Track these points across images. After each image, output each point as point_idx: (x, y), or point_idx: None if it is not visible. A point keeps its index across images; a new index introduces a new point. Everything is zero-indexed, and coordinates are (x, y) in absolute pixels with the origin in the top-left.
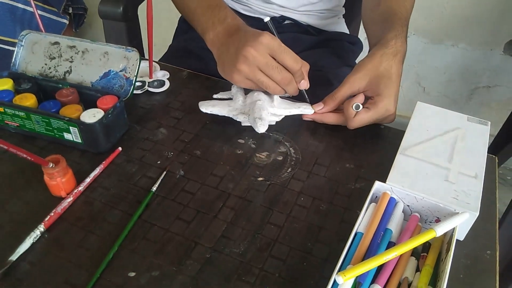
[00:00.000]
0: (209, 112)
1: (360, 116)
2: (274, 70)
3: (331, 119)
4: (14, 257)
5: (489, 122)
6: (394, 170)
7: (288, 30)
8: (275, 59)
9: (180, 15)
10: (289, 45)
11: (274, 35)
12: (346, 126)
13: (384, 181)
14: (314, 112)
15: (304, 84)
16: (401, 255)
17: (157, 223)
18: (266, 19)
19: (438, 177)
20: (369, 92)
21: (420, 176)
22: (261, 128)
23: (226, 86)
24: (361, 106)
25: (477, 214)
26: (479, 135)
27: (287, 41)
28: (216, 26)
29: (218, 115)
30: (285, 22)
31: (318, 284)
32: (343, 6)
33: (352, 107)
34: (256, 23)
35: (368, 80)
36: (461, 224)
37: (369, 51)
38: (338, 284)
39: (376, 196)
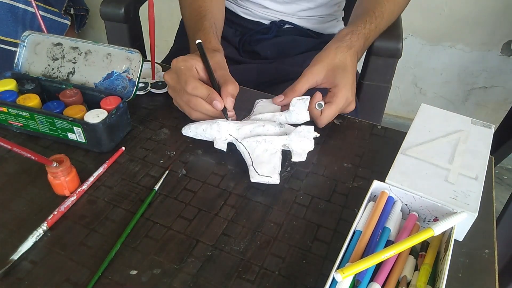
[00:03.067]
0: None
1: (326, 113)
2: (180, 93)
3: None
4: (15, 256)
5: (493, 125)
6: (394, 169)
7: (288, 33)
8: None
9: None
10: (288, 47)
11: (201, 57)
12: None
13: (382, 180)
14: (279, 102)
15: (217, 105)
16: (399, 254)
17: (159, 221)
18: (197, 41)
19: (438, 178)
20: (327, 84)
21: (419, 175)
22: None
23: None
24: (323, 104)
25: (476, 215)
26: (482, 137)
27: (287, 44)
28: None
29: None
30: (285, 26)
31: (317, 281)
32: (342, 10)
33: (315, 106)
34: (256, 27)
35: (325, 72)
36: (459, 224)
37: None
38: (337, 282)
39: (375, 195)
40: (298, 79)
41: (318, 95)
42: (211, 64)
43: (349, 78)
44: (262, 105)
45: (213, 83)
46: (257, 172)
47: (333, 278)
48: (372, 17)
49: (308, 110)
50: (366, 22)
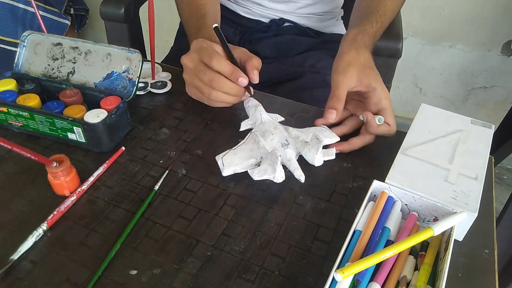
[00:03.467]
0: (232, 173)
1: (389, 120)
2: (200, 73)
3: (359, 143)
4: (15, 256)
5: (493, 125)
6: (394, 169)
7: (288, 32)
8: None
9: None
10: (288, 46)
11: (219, 39)
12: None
13: (382, 180)
14: (333, 120)
15: (243, 82)
16: (399, 254)
17: (159, 221)
18: (214, 25)
19: (438, 177)
20: (361, 87)
21: (419, 175)
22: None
23: None
24: (382, 117)
25: (476, 214)
26: (482, 137)
27: (287, 43)
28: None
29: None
30: (285, 24)
31: (317, 281)
32: (341, 8)
33: (376, 122)
34: (256, 25)
35: (357, 74)
36: (459, 224)
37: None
38: (336, 282)
39: (375, 195)
40: (335, 87)
41: (370, 114)
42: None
43: (380, 78)
44: (264, 119)
45: (235, 62)
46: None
47: (333, 278)
48: (377, 16)
49: (366, 130)
50: (373, 21)
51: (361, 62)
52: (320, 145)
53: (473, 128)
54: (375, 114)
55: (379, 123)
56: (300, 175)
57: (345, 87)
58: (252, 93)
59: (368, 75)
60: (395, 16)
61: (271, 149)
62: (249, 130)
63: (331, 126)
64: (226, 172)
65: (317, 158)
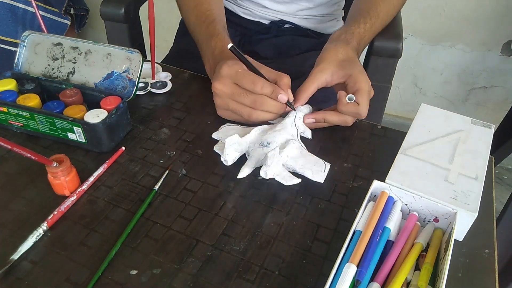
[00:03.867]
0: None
1: (361, 101)
2: (240, 96)
3: (334, 117)
4: (15, 256)
5: (493, 125)
6: (393, 169)
7: (288, 34)
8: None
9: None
10: (288, 47)
11: (239, 59)
12: (360, 121)
13: (382, 180)
14: (318, 113)
15: (283, 98)
16: (400, 254)
17: (159, 221)
18: (229, 45)
19: (438, 177)
20: (338, 79)
21: (419, 175)
22: (262, 173)
23: None
24: (353, 96)
25: (476, 214)
26: (482, 137)
27: (287, 44)
28: (209, 59)
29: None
30: (285, 26)
31: (317, 281)
32: (342, 9)
33: (346, 100)
34: (256, 27)
35: (333, 69)
36: (460, 225)
37: None
38: (336, 282)
39: (375, 195)
40: (306, 80)
41: (342, 92)
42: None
43: (359, 66)
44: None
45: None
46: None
47: (333, 278)
48: (366, 17)
49: (341, 109)
50: (360, 22)
51: (338, 58)
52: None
53: (473, 128)
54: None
55: (348, 101)
56: (307, 134)
57: (314, 80)
58: (296, 107)
59: (344, 67)
60: (391, 19)
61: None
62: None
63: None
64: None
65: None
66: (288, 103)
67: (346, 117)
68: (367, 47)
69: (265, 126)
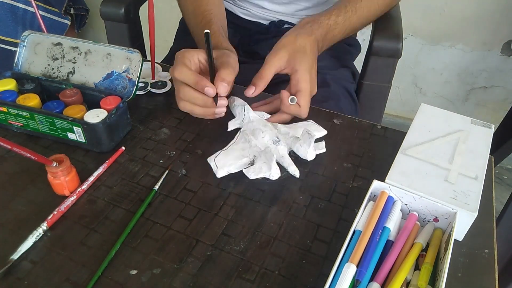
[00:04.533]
0: (226, 173)
1: (302, 102)
2: (175, 84)
3: (273, 120)
4: (15, 256)
5: (493, 125)
6: (393, 168)
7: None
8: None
9: (181, 17)
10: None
11: (206, 47)
12: (359, 122)
13: (382, 180)
14: (251, 94)
15: (209, 91)
16: (399, 254)
17: (159, 221)
18: (205, 31)
19: (438, 177)
20: (288, 69)
21: (419, 175)
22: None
23: None
24: (295, 97)
25: (476, 214)
26: (482, 137)
27: None
28: None
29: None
30: (284, 26)
31: (317, 281)
32: None
33: (289, 102)
34: (255, 27)
35: (287, 57)
36: (459, 224)
37: None
38: (336, 282)
39: (374, 195)
40: (263, 66)
41: (285, 93)
42: (220, 60)
43: (308, 63)
44: (250, 117)
45: (211, 71)
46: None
47: (333, 278)
48: (341, 10)
49: (283, 109)
50: (332, 14)
51: (295, 46)
52: (312, 139)
53: (473, 128)
54: (293, 95)
55: (291, 103)
56: (294, 171)
57: (271, 67)
58: (217, 105)
59: (295, 59)
60: (374, 17)
61: (264, 147)
62: (238, 129)
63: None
64: (220, 173)
65: (310, 153)
66: (214, 99)
67: (285, 116)
68: (368, 48)
69: (239, 142)
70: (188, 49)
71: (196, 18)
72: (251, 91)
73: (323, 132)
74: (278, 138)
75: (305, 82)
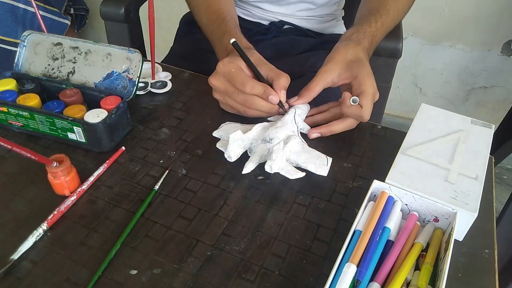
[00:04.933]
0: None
1: (364, 104)
2: (233, 94)
3: (339, 126)
4: (15, 255)
5: (493, 125)
6: (394, 168)
7: (288, 34)
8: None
9: (181, 17)
10: (288, 47)
11: (241, 55)
12: (361, 122)
13: (382, 180)
14: (321, 128)
15: (273, 99)
16: (399, 254)
17: (159, 221)
18: (232, 40)
19: (438, 177)
20: (345, 80)
21: (419, 175)
22: (267, 167)
23: None
24: (357, 98)
25: (476, 214)
26: (482, 137)
27: (287, 44)
28: (223, 56)
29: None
30: (285, 27)
31: (317, 281)
32: (342, 9)
33: (350, 102)
34: (256, 28)
35: (339, 69)
36: (460, 224)
37: None
38: (336, 282)
39: (375, 195)
40: (313, 79)
41: (347, 93)
42: (253, 60)
43: (367, 68)
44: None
45: (261, 79)
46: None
47: (333, 278)
48: (377, 16)
49: (345, 111)
50: (371, 21)
51: (346, 58)
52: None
53: (473, 128)
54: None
55: (352, 103)
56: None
57: (320, 81)
58: (287, 109)
59: (351, 68)
60: (402, 15)
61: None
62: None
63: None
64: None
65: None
66: (280, 104)
67: (349, 121)
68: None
69: (265, 123)
70: (230, 60)
71: (209, 17)
72: (293, 100)
73: (306, 106)
74: (270, 139)
75: (368, 85)
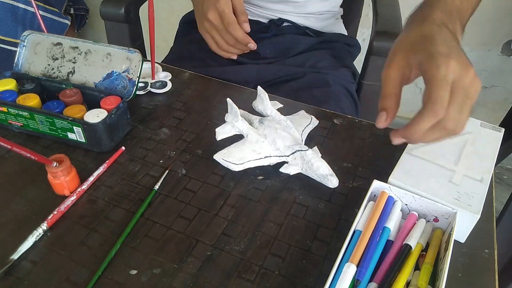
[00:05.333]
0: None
1: (434, 94)
2: (221, 31)
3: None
4: (15, 255)
5: (503, 129)
6: (398, 168)
7: (287, 32)
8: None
9: (181, 17)
10: (288, 46)
11: None
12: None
13: (382, 180)
14: (399, 132)
15: (251, 46)
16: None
17: (159, 221)
18: None
19: (442, 178)
20: (415, 71)
21: (423, 176)
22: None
23: (226, 86)
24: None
25: (478, 216)
26: (490, 140)
27: (287, 43)
28: (202, 2)
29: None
30: (284, 24)
31: (317, 281)
32: (340, 7)
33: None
34: (256, 26)
35: (404, 60)
36: (461, 226)
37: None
38: (336, 282)
39: (375, 195)
40: (382, 83)
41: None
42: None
43: (436, 46)
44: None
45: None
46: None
47: (333, 278)
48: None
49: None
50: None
51: (409, 41)
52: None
53: (482, 131)
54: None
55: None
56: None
57: (390, 81)
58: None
59: (416, 51)
60: None
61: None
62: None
63: None
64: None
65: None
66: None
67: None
68: (368, 48)
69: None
70: (226, 2)
71: None
72: (383, 118)
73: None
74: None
75: (434, 67)
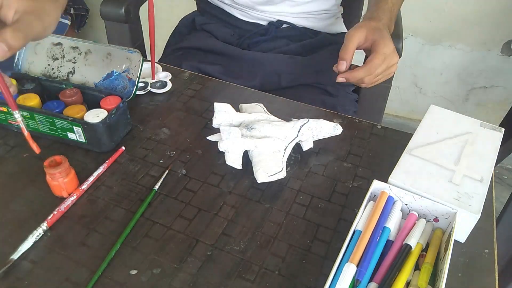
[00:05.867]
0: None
1: (370, 62)
2: None
3: (359, 72)
4: (15, 255)
5: (503, 129)
6: (398, 168)
7: (286, 34)
8: None
9: (181, 17)
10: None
11: None
12: (361, 122)
13: (382, 180)
14: (344, 74)
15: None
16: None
17: (159, 221)
18: None
19: (442, 178)
20: (367, 44)
21: (423, 176)
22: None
23: (227, 86)
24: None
25: (478, 216)
26: (490, 140)
27: (286, 45)
28: None
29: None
30: (283, 26)
31: (317, 281)
32: (340, 5)
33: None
34: (255, 28)
35: (366, 33)
36: (462, 226)
37: None
38: (336, 281)
39: (375, 195)
40: (345, 41)
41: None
42: None
43: (387, 35)
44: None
45: None
46: (266, 174)
47: (333, 278)
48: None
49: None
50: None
51: (371, 25)
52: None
53: (481, 131)
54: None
55: None
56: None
57: (354, 40)
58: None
59: (374, 34)
60: None
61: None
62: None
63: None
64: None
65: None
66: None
67: (367, 68)
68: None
69: (263, 115)
70: None
71: None
72: (343, 66)
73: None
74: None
75: (381, 46)
